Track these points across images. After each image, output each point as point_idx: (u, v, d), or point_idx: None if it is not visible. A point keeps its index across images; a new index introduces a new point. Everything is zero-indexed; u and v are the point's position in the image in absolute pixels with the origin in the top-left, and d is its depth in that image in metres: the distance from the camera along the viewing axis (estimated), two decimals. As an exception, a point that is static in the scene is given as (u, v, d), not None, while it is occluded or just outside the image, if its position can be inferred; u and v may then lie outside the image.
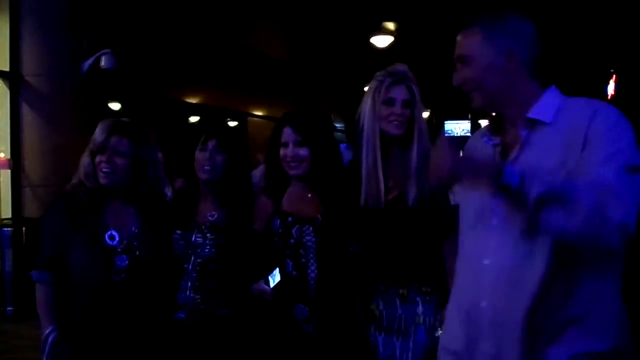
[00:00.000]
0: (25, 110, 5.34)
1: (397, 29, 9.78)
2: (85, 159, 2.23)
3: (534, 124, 1.62)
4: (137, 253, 2.23)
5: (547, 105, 1.64)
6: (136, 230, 2.27)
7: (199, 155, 2.41)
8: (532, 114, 1.62)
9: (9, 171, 5.37)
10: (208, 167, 2.39)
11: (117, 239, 2.22)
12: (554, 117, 1.61)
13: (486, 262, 1.61)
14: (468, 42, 1.68)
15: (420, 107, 2.36)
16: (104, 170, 2.19)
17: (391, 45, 9.99)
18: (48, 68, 5.39)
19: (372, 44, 9.93)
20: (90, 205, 2.21)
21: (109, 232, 2.22)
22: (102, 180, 2.20)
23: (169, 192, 3.38)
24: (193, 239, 2.38)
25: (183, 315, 2.35)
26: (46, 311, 2.21)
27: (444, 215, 2.18)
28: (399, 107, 2.31)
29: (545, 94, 1.65)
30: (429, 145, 2.39)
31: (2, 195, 5.52)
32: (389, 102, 2.31)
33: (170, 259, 2.37)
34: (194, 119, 10.18)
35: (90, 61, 5.55)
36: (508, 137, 1.67)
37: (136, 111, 4.50)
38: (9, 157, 5.36)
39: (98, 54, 5.54)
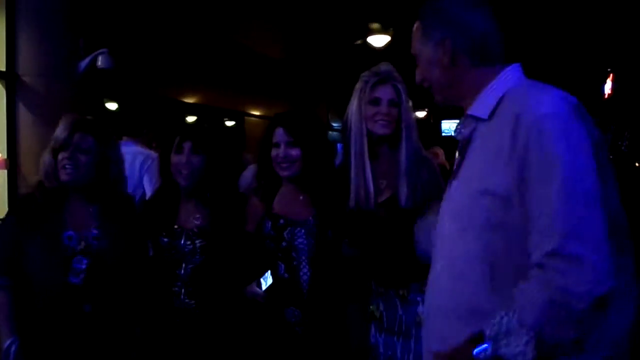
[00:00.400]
0: (22, 110, 5.31)
1: (394, 29, 9.77)
2: (46, 157, 2.17)
3: (476, 120, 1.48)
4: (97, 254, 2.14)
5: (488, 97, 1.46)
6: (96, 231, 2.19)
7: (175, 158, 2.34)
8: (471, 109, 1.50)
9: (5, 171, 5.35)
10: (186, 172, 2.34)
11: (75, 239, 2.15)
12: (492, 111, 1.43)
13: (437, 266, 1.54)
14: (413, 38, 1.59)
15: (407, 106, 2.35)
16: (66, 166, 2.13)
17: (388, 44, 9.98)
18: (45, 68, 5.36)
19: (369, 43, 9.93)
20: (47, 205, 2.14)
21: (67, 233, 2.14)
22: (64, 177, 2.14)
23: (149, 191, 3.33)
24: (182, 245, 2.34)
25: (178, 320, 2.33)
26: (6, 320, 2.14)
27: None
28: (384, 106, 2.30)
29: (492, 83, 1.47)
30: (419, 144, 2.39)
31: (-2, 195, 5.51)
32: (375, 101, 2.31)
33: (141, 260, 2.31)
34: (191, 118, 10.16)
35: (87, 61, 5.53)
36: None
37: (133, 111, 4.48)
38: (5, 157, 5.34)
39: (95, 53, 5.53)
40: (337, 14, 9.52)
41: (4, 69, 5.29)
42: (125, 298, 2.20)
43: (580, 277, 1.16)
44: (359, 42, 10.04)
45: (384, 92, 2.31)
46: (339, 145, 3.00)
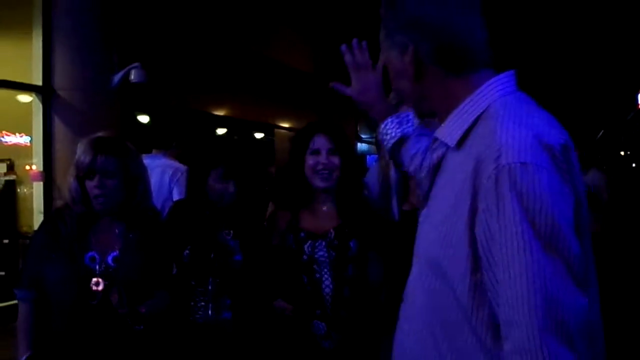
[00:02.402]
0: (58, 124, 5.45)
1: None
2: (72, 184, 2.11)
3: (446, 144, 1.19)
4: (115, 276, 2.08)
5: (459, 118, 1.15)
6: (117, 252, 2.13)
7: (218, 186, 2.36)
8: (439, 131, 1.20)
9: (41, 183, 5.47)
10: (228, 198, 2.36)
11: (97, 260, 2.10)
12: (461, 138, 1.13)
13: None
14: (380, 45, 1.29)
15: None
16: (97, 196, 2.09)
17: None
18: (80, 82, 5.51)
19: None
20: (77, 228, 2.10)
21: (90, 254, 2.10)
22: (97, 207, 2.10)
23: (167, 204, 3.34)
24: (212, 258, 2.33)
25: (205, 335, 2.31)
26: (25, 334, 2.11)
27: None
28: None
29: (468, 99, 1.14)
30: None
31: (35, 206, 5.63)
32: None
33: (164, 276, 2.26)
34: (221, 131, 10.27)
35: (120, 75, 5.64)
36: None
37: (164, 124, 4.54)
38: (41, 169, 5.46)
39: (128, 68, 5.63)
40: (365, 27, 9.54)
41: (40, 84, 5.44)
42: (142, 316, 2.11)
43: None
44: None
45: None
46: (368, 157, 2.98)
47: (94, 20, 5.55)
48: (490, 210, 1.00)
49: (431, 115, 1.28)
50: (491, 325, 1.05)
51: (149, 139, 4.26)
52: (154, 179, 3.88)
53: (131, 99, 6.36)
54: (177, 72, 7.92)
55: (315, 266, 2.26)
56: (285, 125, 11.92)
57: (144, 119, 8.76)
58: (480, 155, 1.04)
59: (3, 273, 5.86)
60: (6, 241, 6.28)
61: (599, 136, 18.28)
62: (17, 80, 5.50)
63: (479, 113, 1.12)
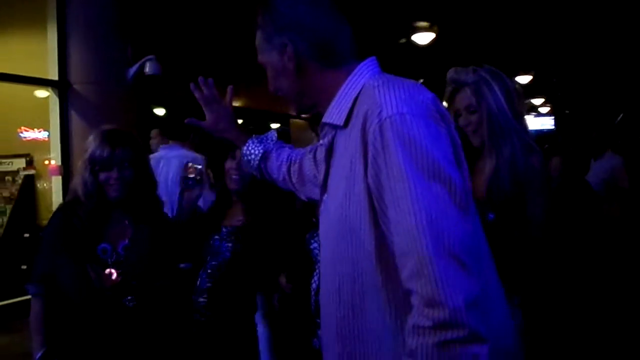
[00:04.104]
0: (74, 117, 5.47)
1: (438, 25, 9.62)
2: (86, 177, 2.11)
3: (334, 127, 1.34)
4: (126, 265, 2.11)
5: (342, 100, 1.30)
6: (127, 242, 2.15)
7: (228, 164, 2.42)
8: (326, 116, 1.34)
9: (60, 177, 5.51)
10: (237, 177, 2.38)
11: (109, 251, 2.12)
12: (347, 115, 1.28)
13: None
14: (257, 49, 1.47)
15: None
16: (114, 185, 2.10)
17: (433, 41, 9.85)
18: (95, 76, 5.52)
19: (413, 41, 9.82)
20: (89, 222, 2.12)
21: (102, 245, 2.12)
22: (113, 194, 2.11)
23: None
24: (211, 242, 2.38)
25: (205, 331, 2.34)
26: (38, 330, 2.12)
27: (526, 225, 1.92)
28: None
29: (345, 84, 1.31)
30: None
31: (54, 200, 5.68)
32: None
33: (172, 264, 2.28)
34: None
35: (135, 68, 5.64)
36: None
37: (180, 115, 4.55)
38: (60, 163, 5.50)
39: (142, 60, 5.63)
40: (380, 13, 9.45)
41: (56, 78, 5.46)
42: (156, 306, 2.15)
43: (448, 279, 1.04)
44: (403, 40, 9.93)
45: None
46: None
47: (109, 13, 5.56)
48: (378, 158, 1.13)
49: (312, 108, 1.42)
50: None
51: (165, 130, 4.28)
52: (171, 170, 3.91)
53: (146, 91, 6.37)
54: (192, 63, 7.92)
55: (313, 257, 2.24)
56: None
57: (159, 111, 8.79)
58: (365, 117, 1.18)
59: (25, 267, 5.93)
60: (27, 235, 6.36)
61: (618, 120, 18.00)
62: (34, 75, 5.53)
63: (357, 92, 1.27)
